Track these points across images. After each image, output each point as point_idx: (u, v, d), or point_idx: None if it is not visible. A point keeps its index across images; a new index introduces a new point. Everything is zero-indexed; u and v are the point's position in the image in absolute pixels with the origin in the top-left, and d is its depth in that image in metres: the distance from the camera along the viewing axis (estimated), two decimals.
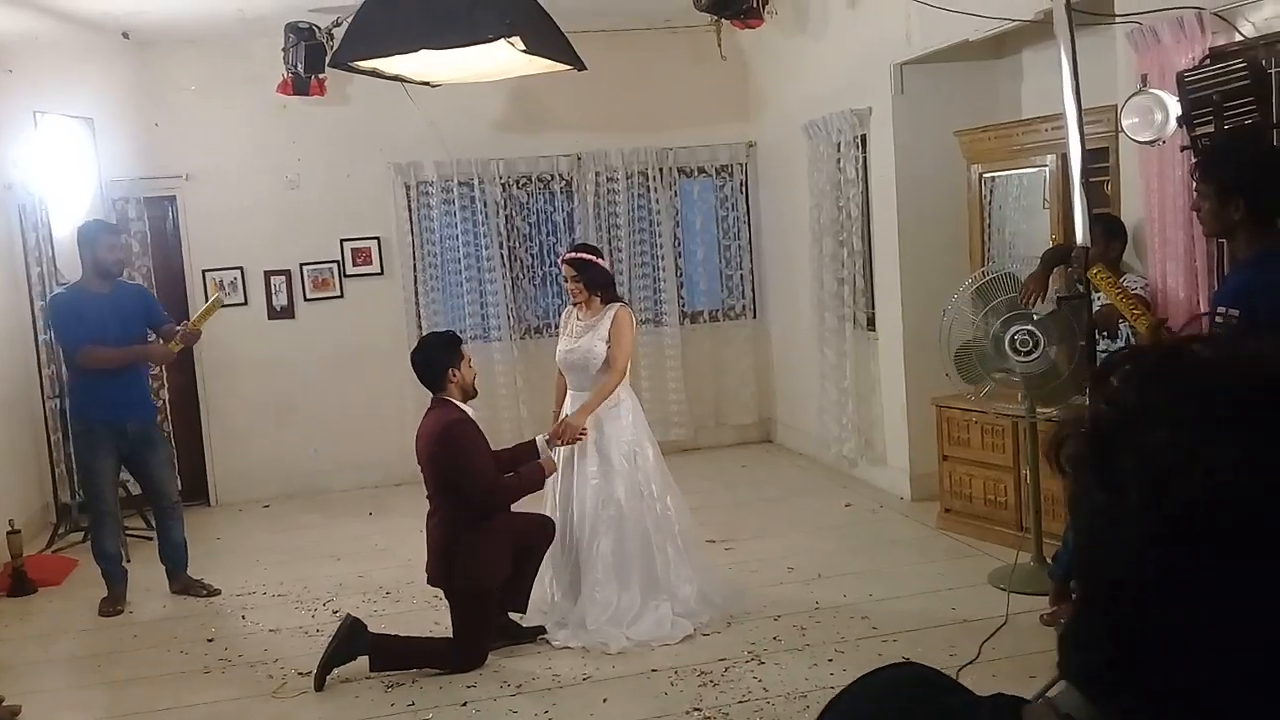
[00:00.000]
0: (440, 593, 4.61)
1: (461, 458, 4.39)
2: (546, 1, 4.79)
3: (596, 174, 7.91)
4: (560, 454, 4.75)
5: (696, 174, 8.21)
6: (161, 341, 5.49)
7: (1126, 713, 0.66)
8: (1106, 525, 0.66)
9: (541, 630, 4.67)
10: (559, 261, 5.63)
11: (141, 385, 5.54)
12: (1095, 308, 4.12)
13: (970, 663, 4.09)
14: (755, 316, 8.35)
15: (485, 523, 4.41)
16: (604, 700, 4.11)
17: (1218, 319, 2.99)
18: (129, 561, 5.64)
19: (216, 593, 5.56)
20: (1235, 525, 0.59)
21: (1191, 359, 0.66)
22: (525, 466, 4.57)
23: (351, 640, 4.36)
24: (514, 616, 4.69)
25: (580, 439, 4.68)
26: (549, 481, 4.80)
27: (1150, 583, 0.63)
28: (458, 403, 4.49)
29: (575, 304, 4.90)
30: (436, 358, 4.49)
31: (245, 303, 7.55)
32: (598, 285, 4.84)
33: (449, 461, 4.40)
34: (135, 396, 5.43)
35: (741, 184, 8.25)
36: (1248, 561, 0.59)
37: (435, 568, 4.51)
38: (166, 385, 7.25)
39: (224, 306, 6.01)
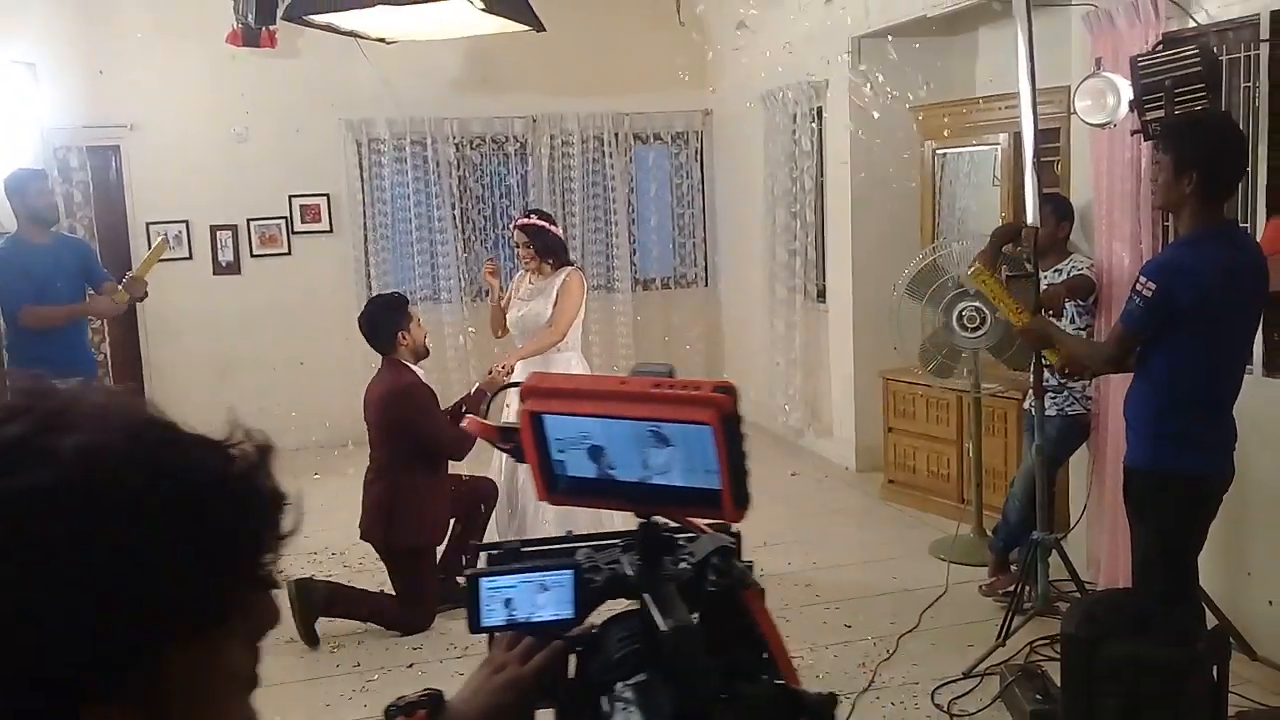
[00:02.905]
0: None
1: (422, 419, 4.41)
2: None
3: (551, 137, 7.85)
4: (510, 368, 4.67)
5: (652, 140, 8.18)
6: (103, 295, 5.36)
7: None
8: None
9: None
10: (511, 227, 5.58)
11: (82, 341, 5.46)
12: (1042, 286, 4.18)
13: (910, 631, 4.17)
14: (707, 284, 8.38)
15: (426, 483, 4.44)
16: None
17: (1137, 286, 3.06)
18: None
19: None
20: None
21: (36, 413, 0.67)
22: (468, 402, 4.55)
23: (306, 597, 4.33)
24: (461, 580, 4.69)
25: (503, 376, 4.55)
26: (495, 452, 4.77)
27: None
28: (410, 364, 4.48)
29: (527, 270, 4.88)
30: (386, 319, 4.47)
31: (190, 257, 7.41)
32: (550, 252, 4.82)
33: (408, 424, 4.39)
34: (75, 353, 5.31)
35: (697, 152, 8.24)
36: None
37: (370, 524, 4.52)
38: (108, 340, 7.11)
39: (168, 260, 5.88)
